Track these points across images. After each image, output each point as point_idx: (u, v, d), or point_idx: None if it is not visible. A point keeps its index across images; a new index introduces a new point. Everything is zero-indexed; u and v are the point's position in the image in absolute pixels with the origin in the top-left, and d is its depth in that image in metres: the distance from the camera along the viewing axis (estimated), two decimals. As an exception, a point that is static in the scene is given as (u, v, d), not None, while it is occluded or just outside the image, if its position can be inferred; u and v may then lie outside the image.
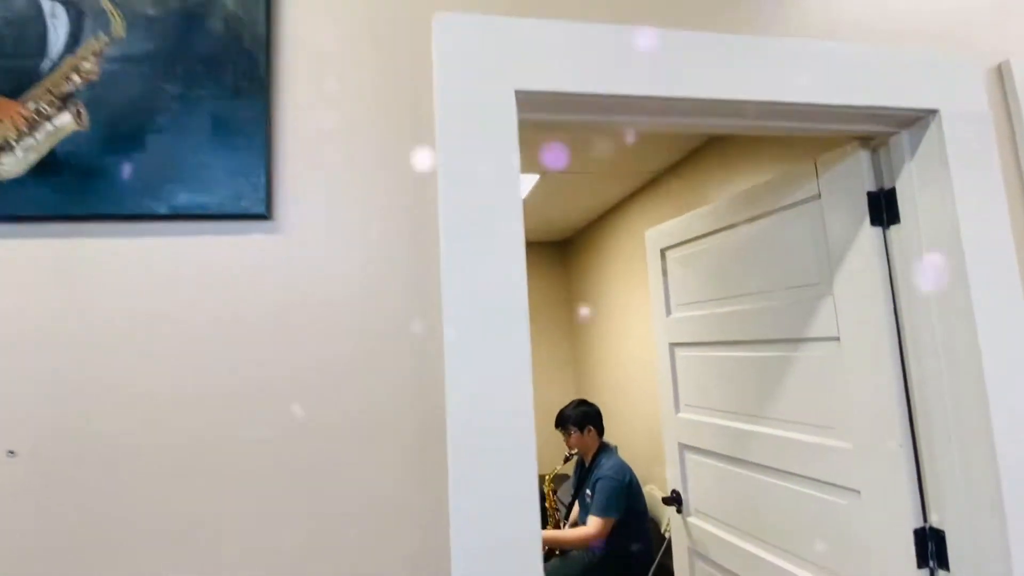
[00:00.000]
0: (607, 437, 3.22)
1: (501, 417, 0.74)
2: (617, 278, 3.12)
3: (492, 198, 0.78)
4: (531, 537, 0.73)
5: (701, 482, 1.66)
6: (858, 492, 1.13)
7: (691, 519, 1.70)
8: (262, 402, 0.68)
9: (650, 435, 2.72)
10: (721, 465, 1.55)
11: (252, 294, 0.70)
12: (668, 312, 1.83)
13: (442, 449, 0.74)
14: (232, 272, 0.70)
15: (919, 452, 1.04)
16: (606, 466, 2.24)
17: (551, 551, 2.39)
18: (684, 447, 1.74)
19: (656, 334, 1.88)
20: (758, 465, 1.41)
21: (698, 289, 1.66)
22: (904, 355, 1.07)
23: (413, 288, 0.76)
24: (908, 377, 1.06)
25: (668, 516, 2.27)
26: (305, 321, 0.71)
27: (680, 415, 1.75)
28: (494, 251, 0.78)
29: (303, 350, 0.71)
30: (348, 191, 0.75)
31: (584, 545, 2.16)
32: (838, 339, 1.18)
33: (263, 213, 0.70)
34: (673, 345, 1.79)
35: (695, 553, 1.68)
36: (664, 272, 1.85)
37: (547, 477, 2.46)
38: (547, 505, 2.41)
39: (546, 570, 2.15)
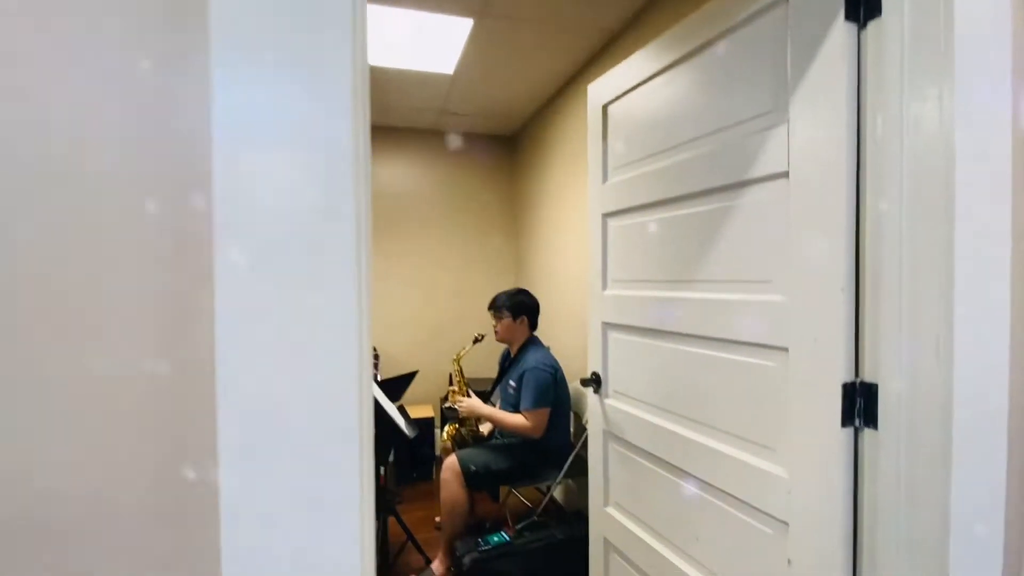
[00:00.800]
0: (541, 327, 3.11)
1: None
2: (561, 174, 2.86)
3: None
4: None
5: (622, 361, 1.51)
6: (786, 350, 0.98)
7: (608, 400, 1.57)
8: None
9: (582, 334, 2.60)
10: (643, 340, 1.40)
11: None
12: (604, 178, 1.59)
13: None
14: None
15: (861, 301, 0.88)
16: (533, 358, 2.09)
17: (476, 436, 2.29)
18: (608, 326, 1.58)
19: (590, 206, 1.66)
20: (681, 335, 1.25)
21: (639, 145, 1.42)
22: (860, 190, 0.88)
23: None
24: (861, 216, 0.87)
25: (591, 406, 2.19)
26: None
27: (607, 292, 1.58)
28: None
29: None
30: None
31: (518, 434, 2.05)
32: (787, 175, 0.97)
33: None
34: (606, 216, 1.58)
35: (610, 435, 1.58)
36: (604, 134, 1.59)
37: (457, 357, 2.32)
38: (456, 382, 2.30)
39: (462, 457, 2.04)
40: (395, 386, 2.88)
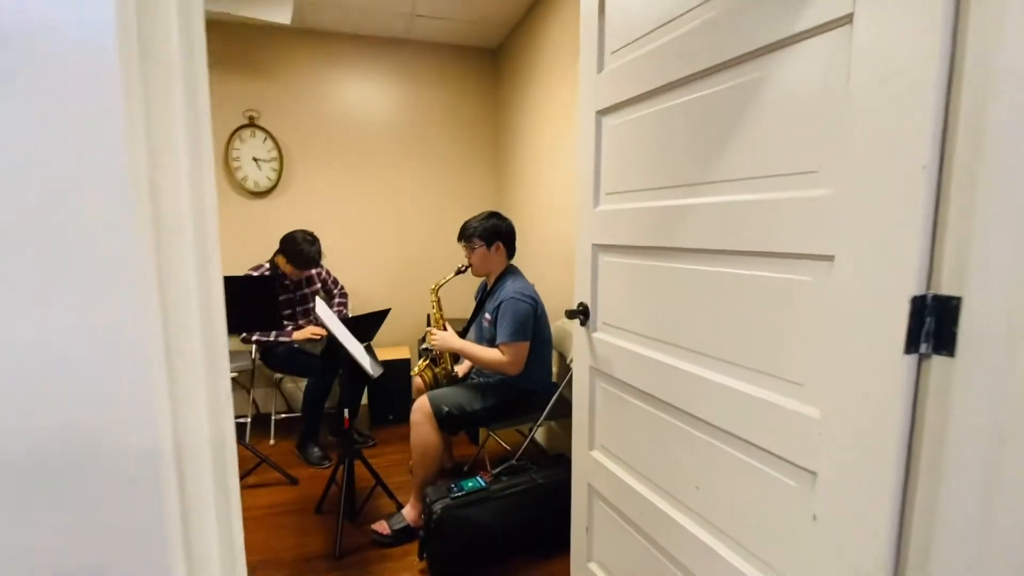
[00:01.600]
0: (522, 267, 2.88)
1: None
2: (552, 93, 2.53)
3: None
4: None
5: (614, 288, 1.29)
6: (831, 259, 0.75)
7: (597, 334, 1.36)
8: None
9: (570, 270, 2.37)
10: (641, 262, 1.17)
11: None
12: (600, 66, 1.30)
13: None
14: None
15: (943, 187, 0.64)
16: (511, 288, 1.87)
17: (450, 377, 2.10)
18: (598, 248, 1.34)
19: (580, 105, 1.38)
20: (689, 251, 1.02)
21: (644, 14, 1.13)
22: (958, 32, 0.62)
23: None
24: (957, 66, 0.62)
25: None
26: None
27: (599, 208, 1.33)
28: None
29: None
30: None
31: (494, 370, 1.86)
32: (851, 18, 0.71)
33: None
34: (600, 113, 1.30)
35: (597, 372, 1.38)
36: (601, 7, 1.28)
37: (435, 287, 2.09)
38: (433, 316, 2.09)
39: (434, 398, 1.85)
40: (366, 324, 2.66)
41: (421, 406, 1.82)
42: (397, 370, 2.92)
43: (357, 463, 1.94)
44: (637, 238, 1.17)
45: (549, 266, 2.61)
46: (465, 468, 2.35)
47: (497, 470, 1.76)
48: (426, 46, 3.18)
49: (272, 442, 2.69)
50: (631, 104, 1.19)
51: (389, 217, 3.25)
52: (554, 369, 2.42)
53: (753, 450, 0.90)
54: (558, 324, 2.31)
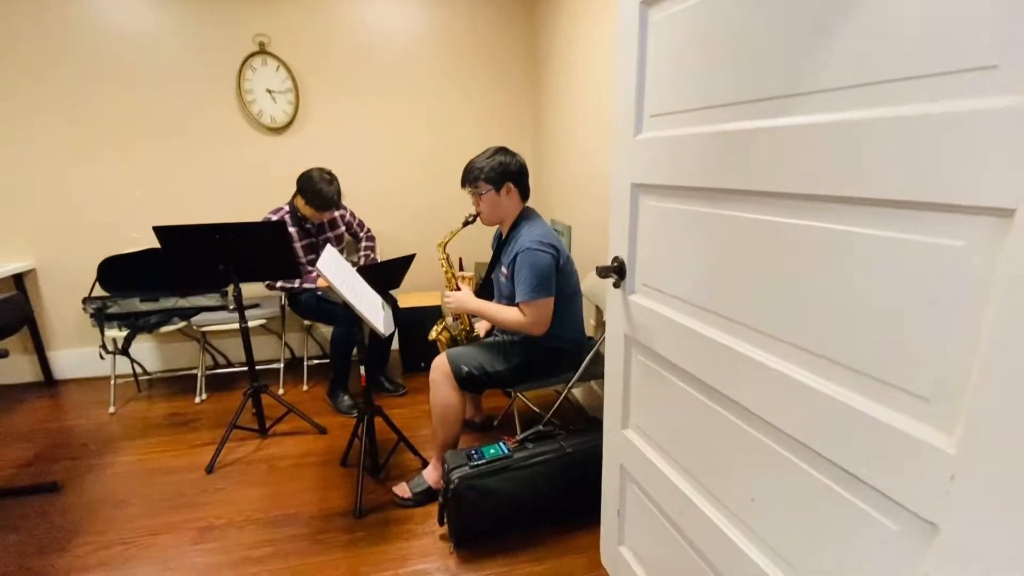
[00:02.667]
0: (560, 210, 2.59)
1: None
2: (594, 25, 2.10)
3: None
4: None
5: (658, 240, 1.02)
6: (1009, 214, 0.46)
7: (634, 297, 1.11)
8: None
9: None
10: (697, 208, 0.89)
11: None
12: (647, -63, 0.95)
13: None
14: None
15: None
16: (528, 236, 1.61)
17: (470, 336, 1.93)
18: (640, 189, 1.06)
19: (621, -4, 1.04)
20: (767, 195, 0.73)
21: None
22: None
23: None
24: None
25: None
26: None
27: (641, 135, 1.03)
28: None
29: None
30: None
31: (516, 331, 1.66)
32: None
33: None
34: (646, 3, 0.97)
35: (634, 343, 1.15)
36: None
37: (442, 243, 1.84)
38: (446, 274, 1.87)
39: (454, 357, 1.69)
40: (389, 271, 2.51)
41: (440, 365, 1.66)
42: (429, 316, 2.79)
43: (380, 419, 1.85)
44: (692, 176, 0.88)
45: (591, 209, 2.31)
46: (495, 423, 2.23)
47: (522, 436, 1.61)
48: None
49: (306, 387, 2.68)
50: (689, -14, 0.85)
51: (417, 152, 3.00)
52: (591, 321, 2.20)
53: (839, 474, 0.66)
54: (594, 275, 2.05)
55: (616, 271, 1.13)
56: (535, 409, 2.14)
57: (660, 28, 0.94)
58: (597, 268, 1.14)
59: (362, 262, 2.68)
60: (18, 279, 2.63)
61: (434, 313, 2.80)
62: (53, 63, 2.48)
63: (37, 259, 2.69)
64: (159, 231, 1.84)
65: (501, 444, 1.58)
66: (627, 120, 1.05)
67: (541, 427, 1.64)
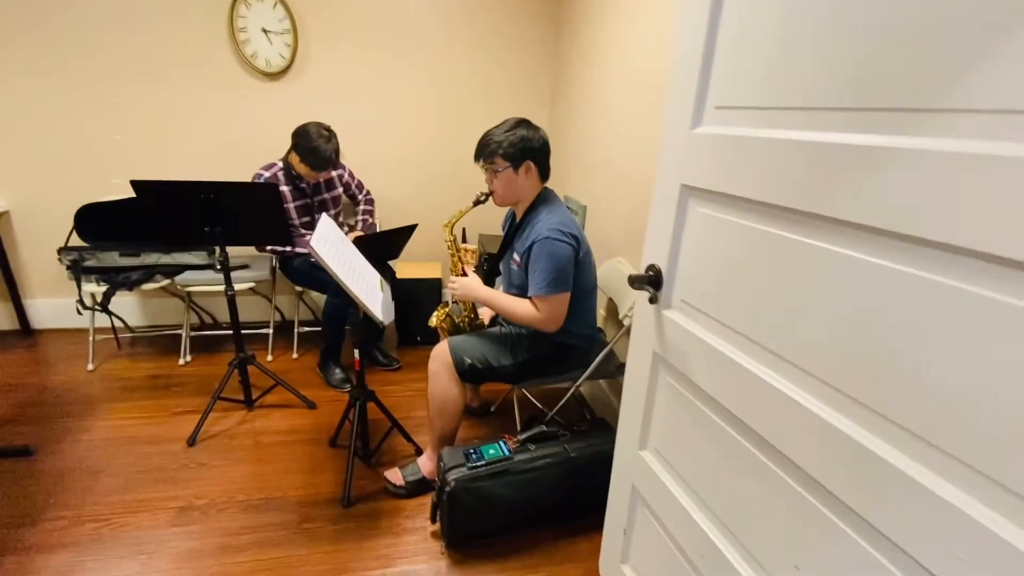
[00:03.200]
0: (572, 192, 2.42)
1: None
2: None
3: None
4: None
5: (708, 255, 0.88)
6: None
7: (670, 313, 0.98)
8: None
9: (630, 196, 1.91)
10: (765, 228, 0.75)
11: None
12: None
13: None
14: None
15: None
16: (546, 223, 1.45)
17: (473, 324, 1.81)
18: (690, 192, 0.91)
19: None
20: (863, 229, 0.59)
21: None
22: None
23: None
24: None
25: (635, 300, 1.62)
26: None
27: (700, 129, 0.87)
28: None
29: None
30: None
31: (526, 325, 1.53)
32: None
33: None
34: (725, -31, 0.79)
35: (663, 362, 1.03)
36: None
37: (449, 224, 1.68)
38: (452, 258, 1.71)
39: (456, 346, 1.57)
40: (388, 243, 2.35)
41: (440, 354, 1.55)
42: (426, 289, 2.66)
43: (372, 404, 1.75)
44: (767, 189, 0.73)
45: (606, 193, 2.14)
46: (493, 408, 2.15)
47: (524, 435, 1.51)
48: None
49: (295, 355, 2.56)
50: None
51: (423, 113, 2.77)
52: (601, 312, 2.08)
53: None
54: (613, 262, 1.92)
55: (651, 282, 0.99)
56: (536, 403, 2.04)
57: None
58: (629, 278, 1.01)
59: (359, 227, 2.52)
60: (-11, 221, 2.46)
61: (433, 287, 2.67)
62: (21, -19, 2.21)
63: (10, 202, 2.49)
64: (137, 186, 1.67)
65: (501, 444, 1.49)
66: (683, 108, 0.89)
67: (544, 427, 1.55)
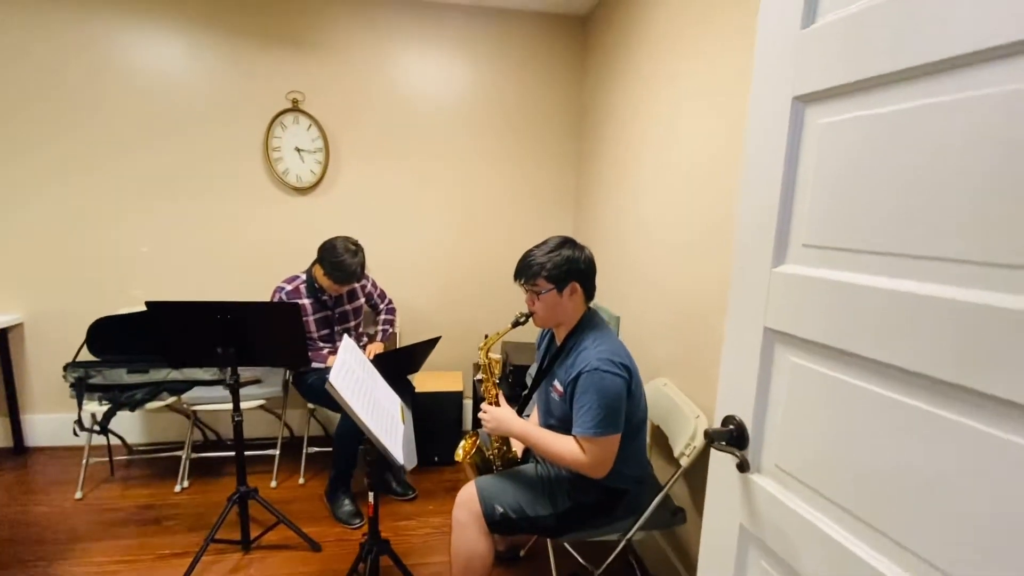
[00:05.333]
0: (602, 302, 2.31)
1: None
2: (654, 64, 1.93)
3: None
4: None
5: (807, 414, 0.73)
6: None
7: (761, 480, 0.80)
8: None
9: (673, 308, 1.79)
10: (885, 394, 0.60)
11: None
12: (808, 18, 0.72)
13: None
14: None
15: None
16: (595, 352, 1.30)
17: (506, 459, 1.58)
18: (777, 337, 0.78)
19: (756, 86, 0.81)
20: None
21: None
22: None
23: None
24: None
25: (695, 429, 1.42)
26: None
27: (783, 268, 0.76)
28: None
29: None
30: None
31: (568, 468, 1.33)
32: None
33: None
34: (802, 100, 0.73)
35: (755, 541, 0.83)
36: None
37: (485, 347, 1.51)
38: (486, 382, 1.51)
39: (485, 491, 1.36)
40: (410, 356, 2.23)
41: (467, 501, 1.34)
42: (447, 403, 2.48)
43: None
44: (894, 350, 0.59)
45: (639, 303, 2.04)
46: (522, 553, 1.86)
47: (568, 606, 1.25)
48: (499, 13, 2.65)
49: (302, 480, 2.33)
50: (881, 86, 0.60)
51: (448, 221, 2.79)
52: (647, 440, 1.86)
53: None
54: (656, 383, 1.75)
55: (735, 441, 0.83)
56: (575, 555, 1.73)
57: (826, 133, 0.69)
58: (706, 432, 0.84)
59: (379, 337, 2.41)
60: (2, 334, 2.40)
61: (454, 400, 2.49)
62: (63, 99, 2.35)
63: (26, 313, 2.46)
64: (152, 306, 1.60)
65: (541, 617, 1.22)
66: (763, 243, 0.79)
67: (591, 593, 1.29)
